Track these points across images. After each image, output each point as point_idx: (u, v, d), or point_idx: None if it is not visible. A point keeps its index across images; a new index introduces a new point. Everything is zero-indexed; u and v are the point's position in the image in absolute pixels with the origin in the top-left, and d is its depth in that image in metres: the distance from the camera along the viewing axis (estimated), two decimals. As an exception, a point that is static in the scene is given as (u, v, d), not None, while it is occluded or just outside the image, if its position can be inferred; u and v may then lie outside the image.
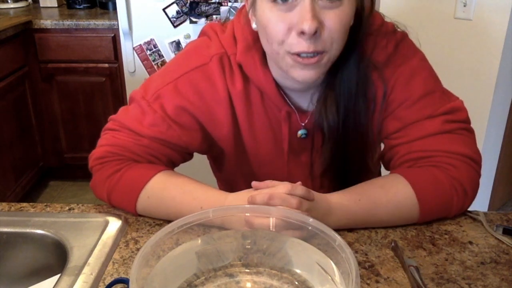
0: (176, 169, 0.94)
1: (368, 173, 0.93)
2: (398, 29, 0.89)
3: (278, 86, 0.87)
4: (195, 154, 0.98)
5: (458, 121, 0.86)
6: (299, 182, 0.77)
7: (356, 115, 0.85)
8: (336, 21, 0.74)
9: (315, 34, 0.73)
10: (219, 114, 0.89)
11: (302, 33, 0.73)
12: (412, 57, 0.87)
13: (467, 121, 0.88)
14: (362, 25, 0.82)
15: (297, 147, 0.93)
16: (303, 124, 0.91)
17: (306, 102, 0.90)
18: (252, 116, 0.90)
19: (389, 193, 0.81)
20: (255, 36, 0.83)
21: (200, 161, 1.09)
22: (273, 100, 0.88)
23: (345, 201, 0.80)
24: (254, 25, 0.82)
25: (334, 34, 0.75)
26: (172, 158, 0.91)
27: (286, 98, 0.89)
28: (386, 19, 0.89)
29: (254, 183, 0.77)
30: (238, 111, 0.89)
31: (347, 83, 0.84)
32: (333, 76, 0.85)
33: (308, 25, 0.71)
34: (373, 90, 0.86)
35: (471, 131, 0.88)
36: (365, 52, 0.84)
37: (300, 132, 0.91)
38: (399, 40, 0.87)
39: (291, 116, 0.90)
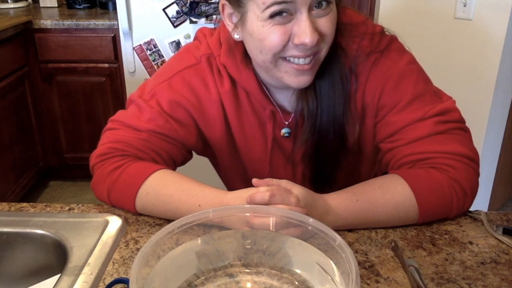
0: (178, 169, 0.95)
1: (349, 154, 0.93)
2: (387, 33, 0.89)
3: (261, 85, 0.90)
4: (195, 155, 0.99)
5: (451, 121, 0.86)
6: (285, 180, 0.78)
7: (331, 102, 0.86)
8: (329, 26, 0.78)
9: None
10: (212, 113, 0.92)
11: (301, 44, 0.76)
12: (399, 61, 0.87)
13: (461, 120, 0.88)
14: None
15: (281, 145, 0.95)
16: (286, 123, 0.92)
17: (288, 99, 0.91)
18: (241, 115, 0.92)
19: (387, 193, 0.81)
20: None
21: (201, 161, 1.09)
22: (257, 99, 0.91)
23: (342, 201, 0.81)
24: (236, 36, 0.83)
25: (328, 38, 0.79)
26: (172, 155, 0.92)
27: (271, 97, 0.91)
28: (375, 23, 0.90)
29: (254, 181, 0.78)
30: (227, 110, 0.92)
31: (323, 74, 0.85)
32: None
33: (309, 39, 0.75)
34: (350, 80, 0.87)
35: (466, 130, 0.88)
36: (346, 52, 0.86)
37: (283, 131, 0.93)
38: (385, 44, 0.88)
39: (275, 115, 0.92)
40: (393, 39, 0.89)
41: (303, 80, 0.81)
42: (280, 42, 0.77)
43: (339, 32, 0.83)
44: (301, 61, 0.79)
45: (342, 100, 0.87)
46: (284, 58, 0.79)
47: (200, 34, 0.95)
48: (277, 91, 0.91)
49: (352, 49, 0.86)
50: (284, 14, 0.75)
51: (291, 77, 0.81)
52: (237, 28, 0.82)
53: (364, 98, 0.88)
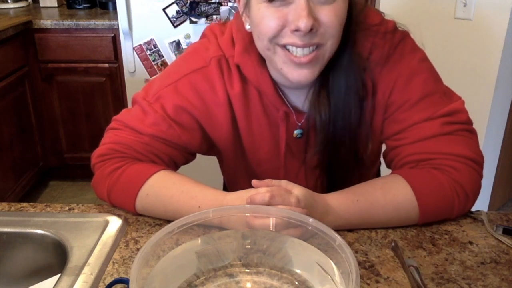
0: (179, 168, 0.95)
1: (362, 166, 0.93)
2: (400, 28, 0.88)
3: (275, 86, 0.88)
4: (198, 155, 0.99)
5: (458, 123, 0.85)
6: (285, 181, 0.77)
7: (346, 111, 0.85)
8: (331, 16, 0.75)
9: (311, 31, 0.74)
10: (219, 116, 0.90)
11: (296, 30, 0.74)
12: (411, 58, 0.86)
13: (468, 122, 0.87)
14: (352, 21, 0.82)
15: (293, 146, 0.94)
16: (299, 124, 0.91)
17: (302, 100, 0.90)
18: (251, 117, 0.91)
19: (388, 194, 0.81)
20: (252, 36, 0.84)
21: (202, 161, 1.09)
22: (271, 100, 0.89)
23: (343, 201, 0.80)
24: (248, 26, 0.83)
25: (329, 29, 0.76)
26: (173, 158, 0.91)
27: (284, 98, 0.90)
28: (387, 17, 0.89)
29: (254, 182, 0.78)
30: (237, 113, 0.90)
31: (337, 81, 0.84)
32: (327, 74, 0.85)
33: (304, 23, 0.72)
34: (367, 88, 0.86)
35: (472, 132, 0.87)
36: (359, 50, 0.84)
37: (296, 132, 0.92)
38: (398, 40, 0.86)
39: (289, 116, 0.90)
40: (405, 35, 0.88)
41: (303, 74, 0.79)
42: (274, 26, 0.75)
43: (355, 33, 0.82)
44: (299, 51, 0.77)
45: (358, 112, 0.85)
46: (282, 47, 0.77)
47: (209, 32, 0.93)
48: (290, 91, 0.90)
49: (366, 48, 0.84)
50: None
51: (290, 69, 0.79)
52: (248, 17, 0.81)
53: (375, 96, 0.87)
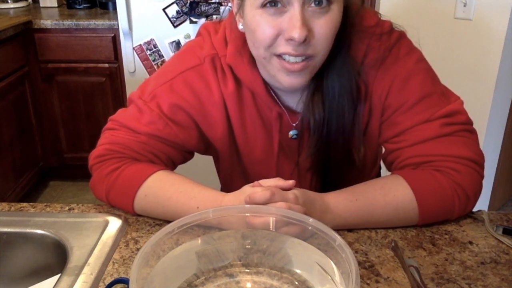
0: (177, 168, 0.95)
1: (356, 170, 0.92)
2: (396, 28, 0.87)
3: (268, 86, 0.88)
4: (196, 154, 0.99)
5: (458, 123, 0.85)
6: (293, 181, 0.77)
7: (340, 113, 0.85)
8: (325, 28, 0.75)
9: (304, 42, 0.74)
10: (214, 115, 0.90)
11: (290, 39, 0.74)
12: (408, 60, 0.86)
13: (467, 122, 0.87)
14: (348, 23, 0.81)
15: (287, 147, 0.94)
16: (294, 125, 0.91)
17: (296, 101, 0.90)
18: (245, 116, 0.91)
19: (388, 195, 0.81)
20: (244, 37, 0.84)
21: (200, 161, 1.09)
22: (264, 101, 0.89)
23: (341, 200, 0.80)
24: (240, 26, 0.83)
25: (322, 41, 0.76)
26: (171, 156, 0.91)
27: (277, 99, 0.89)
28: (384, 18, 0.88)
29: (257, 183, 0.77)
30: (230, 112, 0.90)
31: (331, 84, 0.84)
32: (321, 76, 0.85)
33: (298, 33, 0.72)
34: (361, 91, 0.86)
35: (472, 132, 0.87)
36: (355, 52, 0.84)
37: (291, 133, 0.92)
38: (393, 42, 0.86)
39: (282, 116, 0.90)
40: (402, 35, 0.87)
41: (296, 81, 0.79)
42: (269, 35, 0.75)
43: (350, 35, 0.82)
44: (292, 59, 0.76)
45: (351, 114, 0.85)
46: (278, 56, 0.77)
47: (204, 31, 0.93)
48: (283, 93, 0.90)
49: (361, 51, 0.84)
50: (279, 5, 0.73)
51: (283, 75, 0.79)
52: (241, 18, 0.81)
53: (371, 99, 0.87)
